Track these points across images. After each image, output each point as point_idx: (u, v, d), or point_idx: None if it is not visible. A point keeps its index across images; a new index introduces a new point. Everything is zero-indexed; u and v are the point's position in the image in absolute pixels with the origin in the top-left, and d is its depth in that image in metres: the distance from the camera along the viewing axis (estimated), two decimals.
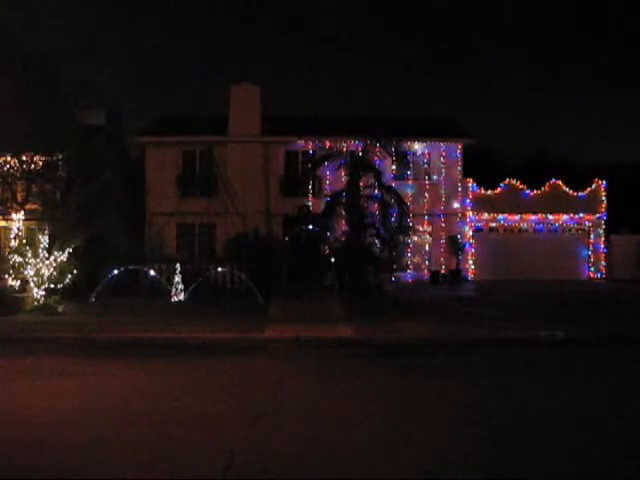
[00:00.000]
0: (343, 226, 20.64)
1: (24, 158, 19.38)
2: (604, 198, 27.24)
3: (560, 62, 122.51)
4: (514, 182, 27.30)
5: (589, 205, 27.23)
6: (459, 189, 26.72)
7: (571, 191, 27.23)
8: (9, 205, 19.51)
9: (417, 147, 26.15)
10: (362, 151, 20.90)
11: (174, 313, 15.13)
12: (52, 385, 8.52)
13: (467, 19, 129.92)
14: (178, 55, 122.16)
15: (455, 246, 26.07)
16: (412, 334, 12.51)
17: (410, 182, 26.00)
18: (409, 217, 21.14)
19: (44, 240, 16.85)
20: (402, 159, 22.72)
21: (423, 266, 26.38)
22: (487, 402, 7.64)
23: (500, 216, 27.05)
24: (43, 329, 13.01)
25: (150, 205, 25.98)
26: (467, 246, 26.42)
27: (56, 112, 18.70)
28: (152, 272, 18.53)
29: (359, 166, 20.47)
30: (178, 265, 18.55)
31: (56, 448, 5.88)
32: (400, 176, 25.69)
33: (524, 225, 27.35)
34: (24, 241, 18.23)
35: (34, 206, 20.24)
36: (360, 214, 19.82)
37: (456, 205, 26.59)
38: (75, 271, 17.05)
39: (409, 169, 26.05)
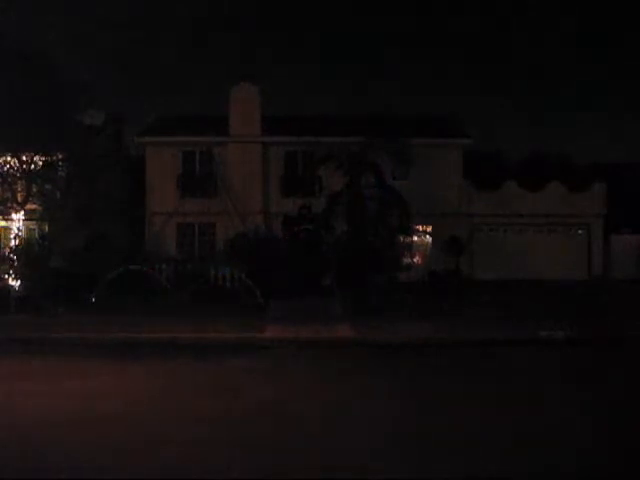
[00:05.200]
0: (343, 226, 20.60)
1: (24, 158, 19.34)
2: (604, 198, 27.22)
3: (560, 62, 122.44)
4: (514, 182, 27.29)
5: (589, 205, 27.20)
6: (459, 189, 26.69)
7: (571, 191, 27.21)
8: (9, 205, 19.46)
9: (417, 146, 26.08)
10: (362, 151, 20.86)
11: (174, 313, 15.13)
12: (53, 386, 8.52)
13: (467, 19, 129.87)
14: (178, 55, 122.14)
15: (455, 246, 26.03)
16: (412, 334, 12.51)
17: (410, 182, 25.92)
18: (409, 217, 21.10)
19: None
20: (402, 158, 22.65)
21: (423, 266, 26.35)
22: (486, 405, 7.64)
23: (500, 216, 27.01)
24: (44, 329, 13.00)
25: (150, 205, 26.00)
26: (467, 246, 26.37)
27: (56, 112, 18.66)
28: (152, 272, 18.51)
29: (359, 166, 20.43)
30: (178, 265, 18.50)
31: (57, 448, 5.89)
32: (400, 176, 25.64)
33: (524, 225, 27.31)
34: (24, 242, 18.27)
35: (34, 206, 20.21)
36: (360, 214, 19.79)
37: (456, 205, 26.56)
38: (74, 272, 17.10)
39: (409, 169, 25.98)
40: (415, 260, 26.63)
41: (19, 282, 17.28)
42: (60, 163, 20.07)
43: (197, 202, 25.74)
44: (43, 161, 19.73)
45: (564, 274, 25.62)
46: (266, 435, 6.29)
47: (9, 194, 19.51)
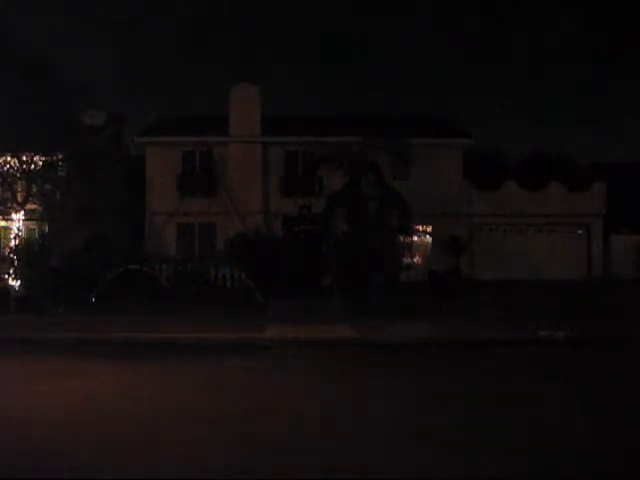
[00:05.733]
0: (343, 226, 20.58)
1: (24, 158, 19.35)
2: (604, 198, 27.22)
3: (561, 62, 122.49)
4: (514, 182, 27.29)
5: (589, 205, 27.21)
6: (459, 189, 26.69)
7: (571, 191, 27.21)
8: (9, 205, 19.48)
9: (417, 146, 26.04)
10: (362, 151, 20.85)
11: (174, 313, 15.12)
12: (53, 386, 8.51)
13: (467, 19, 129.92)
14: (178, 55, 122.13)
15: (455, 246, 26.03)
16: (412, 334, 12.50)
17: (410, 182, 25.87)
18: (409, 217, 21.09)
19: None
20: (402, 158, 22.64)
21: (423, 266, 26.35)
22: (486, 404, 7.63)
23: (500, 216, 27.01)
24: (44, 329, 13.00)
25: (150, 205, 26.02)
26: (467, 246, 26.37)
27: (56, 112, 18.67)
28: (152, 272, 18.51)
29: (359, 165, 20.42)
30: (178, 265, 18.50)
31: (57, 448, 5.88)
32: (400, 176, 25.59)
33: (524, 225, 27.31)
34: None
35: (34, 206, 20.22)
36: (360, 214, 19.78)
37: (456, 205, 26.55)
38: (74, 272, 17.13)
39: (409, 169, 25.94)
40: (415, 260, 26.63)
41: (19, 282, 17.28)
42: (60, 163, 20.08)
43: (197, 202, 25.76)
44: (43, 161, 19.74)
45: (564, 274, 25.62)
46: (266, 435, 6.28)
47: (9, 194, 19.52)
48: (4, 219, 20.61)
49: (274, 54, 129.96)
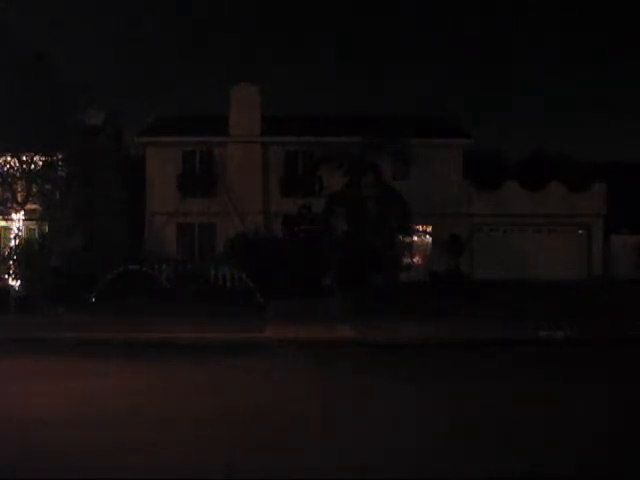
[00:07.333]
0: (343, 226, 20.59)
1: (24, 158, 19.34)
2: (604, 198, 27.22)
3: (561, 62, 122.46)
4: (514, 182, 27.29)
5: (589, 205, 27.20)
6: (459, 189, 26.68)
7: (571, 191, 27.21)
8: (9, 205, 19.47)
9: (417, 146, 26.04)
10: (362, 150, 20.86)
11: (174, 313, 15.12)
12: (53, 386, 8.52)
13: (467, 19, 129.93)
14: (178, 55, 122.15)
15: (455, 246, 26.03)
16: (412, 334, 12.51)
17: (410, 182, 25.87)
18: (409, 217, 21.10)
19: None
20: (402, 158, 22.64)
21: (423, 266, 26.35)
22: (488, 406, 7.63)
23: (500, 216, 27.00)
24: (44, 329, 13.01)
25: (150, 205, 26.03)
26: (467, 246, 26.36)
27: (56, 112, 18.66)
28: (152, 272, 18.51)
29: (359, 166, 20.44)
30: (178, 265, 18.50)
31: (57, 448, 5.88)
32: (400, 176, 25.59)
33: (524, 225, 27.30)
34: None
35: (34, 206, 20.21)
36: (360, 214, 19.79)
37: (456, 205, 26.54)
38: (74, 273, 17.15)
39: (409, 169, 25.95)
40: (415, 260, 26.63)
41: (19, 282, 17.27)
42: (60, 163, 20.07)
43: (197, 202, 25.77)
44: (43, 161, 19.72)
45: (564, 274, 25.62)
46: (266, 435, 6.28)
47: (9, 194, 19.50)
48: (4, 219, 20.59)
49: (274, 54, 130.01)
